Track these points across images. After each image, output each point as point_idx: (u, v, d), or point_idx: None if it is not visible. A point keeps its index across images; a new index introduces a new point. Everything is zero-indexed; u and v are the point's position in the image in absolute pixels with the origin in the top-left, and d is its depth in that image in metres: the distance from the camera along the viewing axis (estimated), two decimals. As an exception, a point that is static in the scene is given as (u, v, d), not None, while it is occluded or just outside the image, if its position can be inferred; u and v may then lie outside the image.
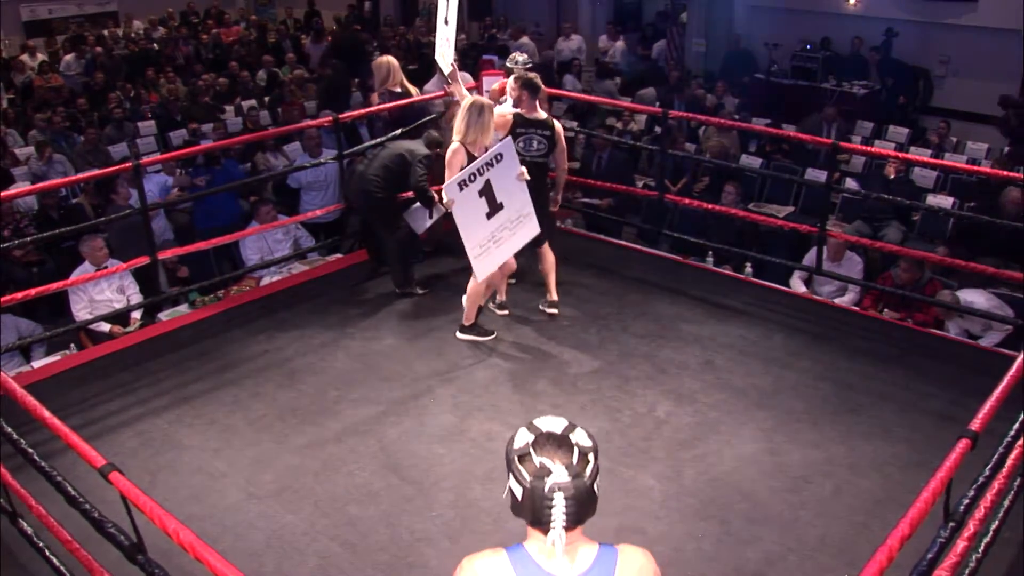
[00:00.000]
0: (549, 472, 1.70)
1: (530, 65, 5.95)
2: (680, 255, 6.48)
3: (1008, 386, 2.90)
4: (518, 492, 1.74)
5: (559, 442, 1.75)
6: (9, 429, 2.92)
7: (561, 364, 4.92)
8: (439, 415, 4.48)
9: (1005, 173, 5.81)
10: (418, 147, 5.61)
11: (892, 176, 7.40)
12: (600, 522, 3.63)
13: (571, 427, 1.79)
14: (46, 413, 2.85)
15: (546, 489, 1.69)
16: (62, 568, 3.06)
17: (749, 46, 12.45)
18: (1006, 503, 3.08)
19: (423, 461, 4.14)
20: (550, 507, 1.69)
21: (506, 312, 5.43)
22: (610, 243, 6.69)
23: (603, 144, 8.20)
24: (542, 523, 1.72)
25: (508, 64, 5.94)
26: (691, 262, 6.36)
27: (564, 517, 1.69)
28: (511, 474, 1.75)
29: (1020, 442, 3.04)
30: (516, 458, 1.75)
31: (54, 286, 5.14)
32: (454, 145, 4.84)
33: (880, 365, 4.87)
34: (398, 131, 6.15)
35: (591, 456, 1.75)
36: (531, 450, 1.74)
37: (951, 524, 2.49)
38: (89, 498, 2.68)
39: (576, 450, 1.74)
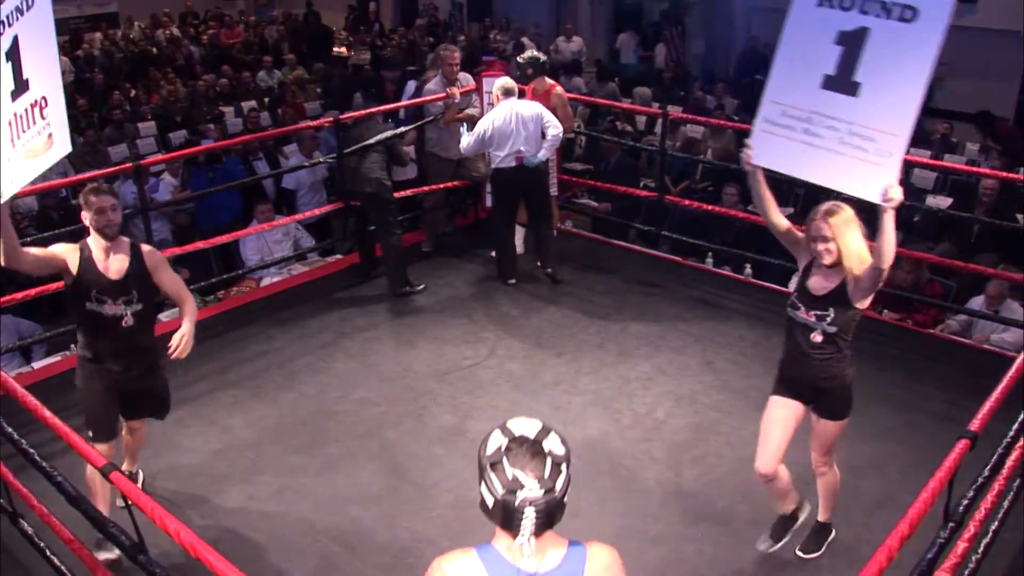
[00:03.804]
0: (521, 487, 1.71)
1: (538, 59, 6.06)
2: (680, 256, 6.49)
3: (1007, 387, 2.90)
4: (488, 500, 1.74)
5: (532, 450, 1.74)
6: (10, 429, 2.92)
7: (561, 364, 4.92)
8: (439, 415, 4.48)
9: (1005, 174, 5.81)
10: (385, 127, 5.88)
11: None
12: (600, 523, 3.64)
13: (545, 431, 1.77)
14: (47, 413, 2.85)
15: (517, 503, 1.70)
16: (63, 568, 3.06)
17: (756, 47, 12.46)
18: (1006, 504, 3.09)
19: (423, 461, 4.14)
20: (520, 518, 1.71)
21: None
22: (610, 244, 6.69)
23: (613, 148, 8.21)
24: (511, 529, 1.74)
25: (518, 59, 6.08)
26: (691, 263, 6.37)
27: (533, 527, 1.71)
28: (483, 481, 1.75)
29: (1019, 443, 3.05)
30: (488, 465, 1.74)
31: (54, 286, 5.12)
32: None
33: (880, 366, 4.87)
34: (399, 131, 6.17)
35: (563, 467, 1.75)
36: (504, 459, 1.73)
37: (951, 525, 2.49)
38: (90, 498, 2.68)
39: (549, 460, 1.73)
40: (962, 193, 7.70)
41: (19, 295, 4.82)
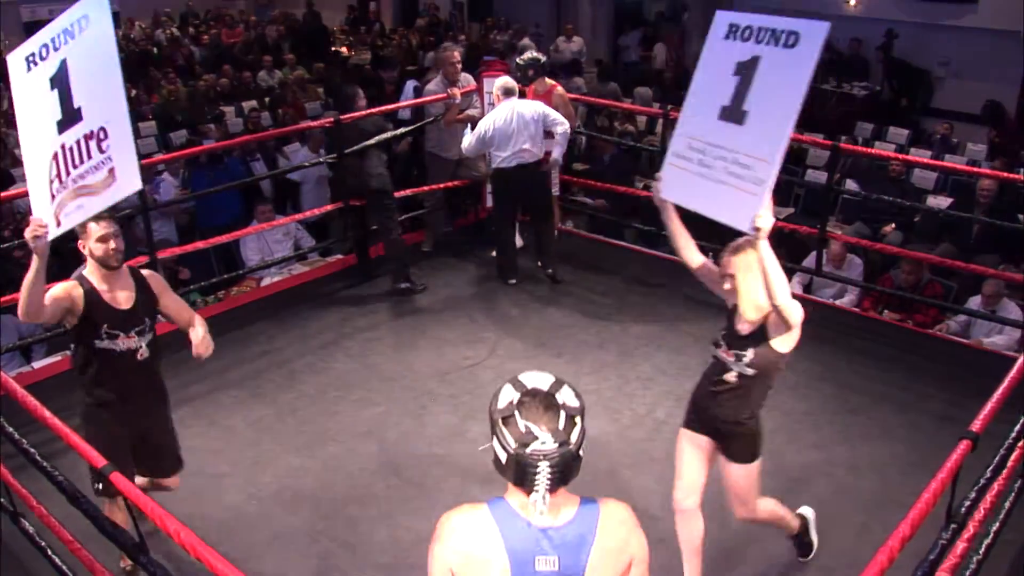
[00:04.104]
0: (534, 438, 1.66)
1: (538, 60, 6.05)
2: (680, 256, 6.48)
3: (1008, 387, 2.90)
4: (501, 456, 1.70)
5: (545, 403, 1.69)
6: (10, 429, 2.92)
7: (561, 364, 4.92)
8: (439, 415, 4.48)
9: (1005, 174, 5.82)
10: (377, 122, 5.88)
11: (899, 176, 7.43)
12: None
13: (558, 384, 1.73)
14: (47, 413, 2.85)
15: (530, 456, 1.66)
16: (63, 568, 3.06)
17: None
18: (1007, 505, 3.09)
19: (423, 462, 4.14)
20: (534, 473, 1.67)
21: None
22: (610, 244, 6.69)
23: (605, 146, 8.21)
24: (525, 485, 1.70)
25: (519, 60, 6.07)
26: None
27: (548, 482, 1.67)
28: (494, 436, 1.71)
29: (1021, 444, 3.05)
30: (500, 420, 1.70)
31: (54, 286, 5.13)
32: None
33: (880, 366, 4.87)
34: (398, 131, 6.18)
35: (578, 419, 1.71)
36: (515, 412, 1.69)
37: (953, 526, 2.49)
38: (90, 498, 2.68)
39: (563, 413, 1.69)
40: (962, 193, 7.72)
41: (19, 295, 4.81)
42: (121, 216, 5.68)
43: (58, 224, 2.84)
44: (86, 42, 2.74)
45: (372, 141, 5.69)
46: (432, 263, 6.23)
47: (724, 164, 2.81)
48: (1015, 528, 3.34)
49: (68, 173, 2.80)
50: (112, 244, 3.08)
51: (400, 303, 5.71)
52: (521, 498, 1.72)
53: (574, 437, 1.70)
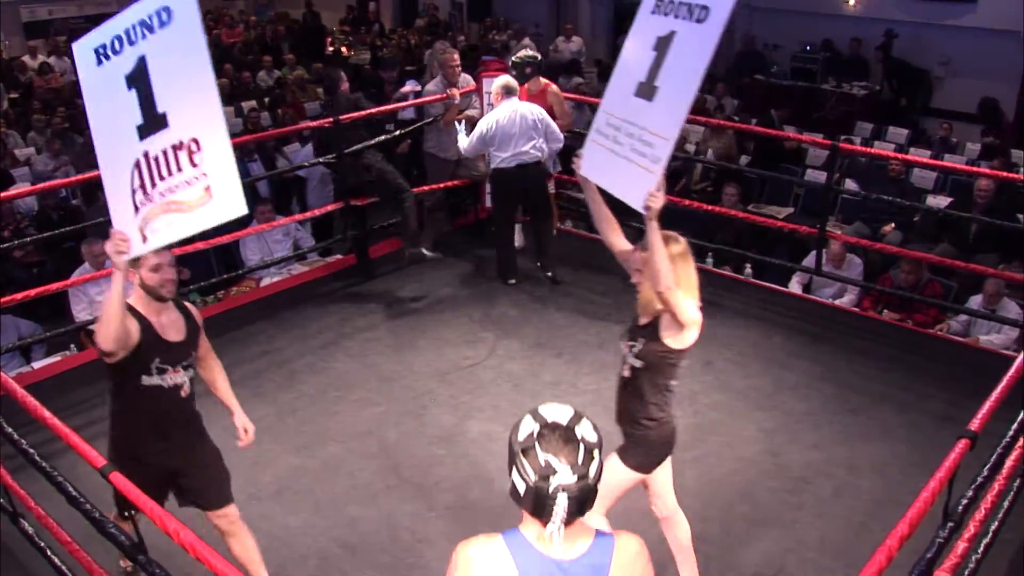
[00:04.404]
0: (554, 472, 1.68)
1: (535, 58, 6.05)
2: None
3: (1007, 387, 2.90)
4: (520, 487, 1.71)
5: (565, 436, 1.71)
6: (10, 429, 2.92)
7: (561, 364, 4.92)
8: (439, 415, 4.48)
9: (1004, 174, 5.82)
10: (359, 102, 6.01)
11: (899, 176, 7.44)
12: (600, 523, 3.61)
13: (577, 418, 1.75)
14: (47, 413, 2.85)
15: (550, 490, 1.68)
16: (63, 568, 3.06)
17: (754, 47, 12.49)
18: (1005, 504, 3.09)
19: (423, 462, 4.14)
20: (552, 505, 1.68)
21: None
22: (610, 244, 6.68)
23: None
24: (542, 516, 1.71)
25: (514, 59, 6.06)
26: (691, 263, 6.35)
27: (565, 514, 1.69)
28: (514, 467, 1.72)
29: (1019, 443, 3.05)
30: (520, 451, 1.71)
31: (54, 286, 5.13)
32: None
33: (880, 366, 4.87)
34: (397, 132, 6.18)
35: (596, 453, 1.72)
36: (536, 444, 1.70)
37: (950, 525, 2.49)
38: (90, 498, 2.68)
39: (582, 447, 1.71)
40: (962, 193, 7.72)
41: (19, 295, 4.82)
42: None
43: (144, 240, 2.55)
44: (168, 40, 2.45)
45: (372, 142, 5.71)
46: (432, 263, 6.22)
47: (631, 141, 2.75)
48: (1013, 527, 3.34)
49: (154, 185, 2.54)
50: (167, 274, 2.84)
51: (400, 303, 5.71)
52: (536, 529, 1.74)
53: (592, 470, 1.72)
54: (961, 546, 2.60)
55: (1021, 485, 3.28)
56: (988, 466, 2.64)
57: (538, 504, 1.70)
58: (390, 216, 6.05)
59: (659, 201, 2.61)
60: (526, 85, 6.00)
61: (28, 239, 5.96)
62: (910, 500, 2.44)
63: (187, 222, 2.49)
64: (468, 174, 6.47)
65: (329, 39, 14.84)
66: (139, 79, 2.53)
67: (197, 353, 3.06)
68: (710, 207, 6.48)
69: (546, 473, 1.68)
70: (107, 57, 2.60)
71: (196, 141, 2.46)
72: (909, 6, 11.11)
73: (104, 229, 6.45)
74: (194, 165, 2.46)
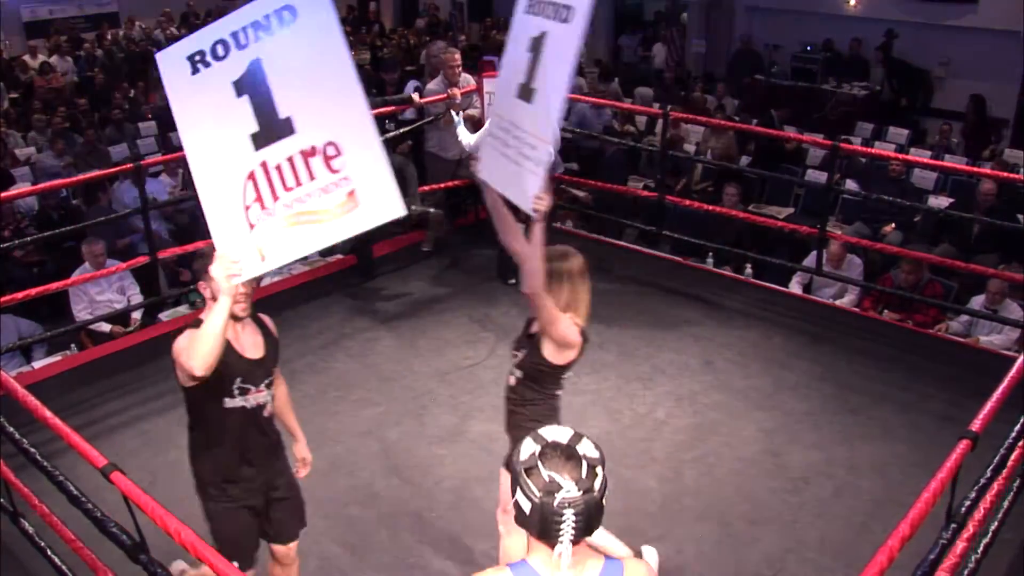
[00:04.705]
0: (559, 487, 1.68)
1: None
2: (680, 256, 6.48)
3: (1008, 387, 2.90)
4: (526, 507, 1.71)
5: (566, 454, 1.72)
6: (11, 429, 2.92)
7: (561, 365, 4.92)
8: (439, 415, 4.48)
9: (1005, 174, 5.82)
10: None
11: (899, 176, 7.45)
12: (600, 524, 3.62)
13: (577, 437, 1.76)
14: (47, 413, 2.85)
15: (556, 505, 1.68)
16: (64, 568, 3.06)
17: (752, 47, 12.50)
18: (1006, 504, 3.09)
19: (423, 462, 4.14)
20: (559, 522, 1.68)
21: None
22: (610, 244, 6.69)
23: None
24: (549, 537, 1.71)
25: None
26: (691, 263, 6.37)
27: (573, 532, 1.69)
28: (519, 487, 1.72)
29: (1021, 443, 3.05)
30: (523, 471, 1.72)
31: (54, 286, 5.14)
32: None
33: (880, 366, 4.87)
34: (398, 132, 6.18)
35: (599, 469, 1.73)
36: (538, 463, 1.71)
37: (952, 525, 2.49)
38: (91, 498, 2.69)
39: (584, 463, 1.71)
40: (962, 193, 7.73)
41: (19, 295, 4.82)
42: (118, 216, 5.74)
43: (262, 259, 2.35)
44: (293, 40, 2.30)
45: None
46: (432, 263, 6.22)
47: (518, 144, 2.70)
48: (1015, 527, 3.34)
49: (276, 197, 2.32)
50: (242, 288, 2.54)
51: (400, 303, 5.71)
52: (544, 555, 1.73)
53: (597, 485, 1.71)
54: (961, 546, 2.60)
55: (1021, 485, 3.28)
56: (990, 467, 2.64)
57: (544, 523, 1.70)
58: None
59: (545, 203, 2.61)
60: None
61: (28, 239, 5.96)
62: (910, 500, 2.44)
63: (324, 233, 2.32)
64: (469, 174, 6.47)
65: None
66: (253, 84, 2.36)
67: (277, 369, 2.87)
68: (710, 207, 6.48)
69: (551, 489, 1.68)
70: (206, 64, 2.42)
71: (334, 144, 2.29)
72: (909, 6, 11.11)
73: (103, 229, 6.46)
74: (333, 171, 2.28)
